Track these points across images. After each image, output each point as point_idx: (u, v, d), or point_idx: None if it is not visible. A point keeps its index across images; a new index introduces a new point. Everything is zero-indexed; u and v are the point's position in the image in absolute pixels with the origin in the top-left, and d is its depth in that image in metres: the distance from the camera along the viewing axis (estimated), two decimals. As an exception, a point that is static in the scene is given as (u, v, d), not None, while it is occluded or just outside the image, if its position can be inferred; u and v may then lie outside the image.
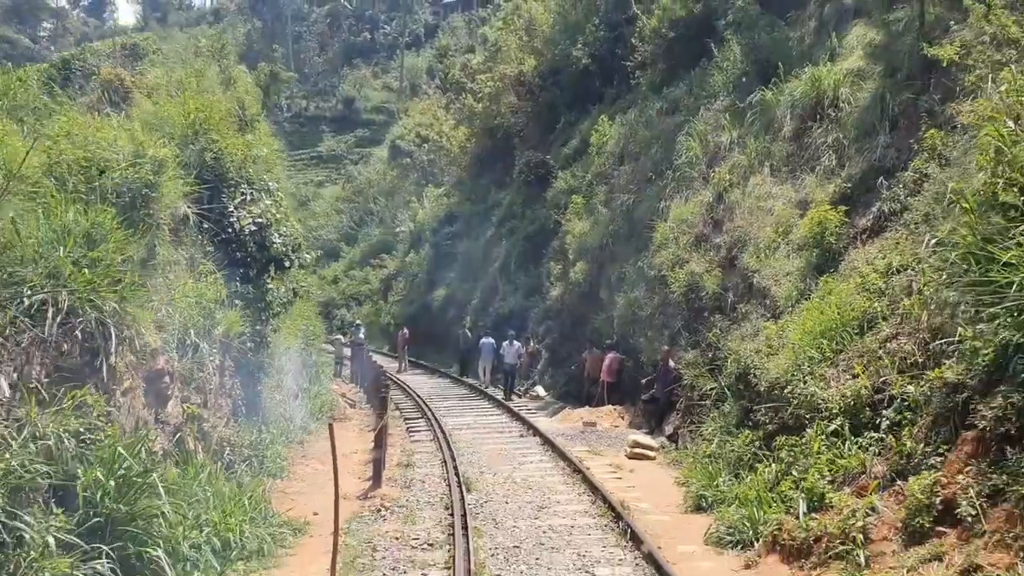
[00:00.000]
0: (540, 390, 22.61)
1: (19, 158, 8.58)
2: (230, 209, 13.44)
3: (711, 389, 13.69)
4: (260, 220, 13.94)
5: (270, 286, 14.63)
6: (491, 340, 24.94)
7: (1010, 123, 9.04)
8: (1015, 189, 8.26)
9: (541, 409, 20.38)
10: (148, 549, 7.06)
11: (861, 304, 10.65)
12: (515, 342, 22.94)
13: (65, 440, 6.95)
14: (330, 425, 7.93)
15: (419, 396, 21.30)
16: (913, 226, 11.11)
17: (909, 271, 10.39)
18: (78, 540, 6.47)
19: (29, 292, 7.35)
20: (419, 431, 16.96)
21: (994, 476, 7.06)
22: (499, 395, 22.22)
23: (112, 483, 7.12)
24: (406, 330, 31.03)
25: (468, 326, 29.58)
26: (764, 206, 15.18)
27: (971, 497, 7.11)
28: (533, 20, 36.19)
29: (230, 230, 13.40)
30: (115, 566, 6.65)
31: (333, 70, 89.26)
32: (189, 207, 11.39)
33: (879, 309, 10.36)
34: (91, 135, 9.71)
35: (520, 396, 22.53)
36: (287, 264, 14.65)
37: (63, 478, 6.80)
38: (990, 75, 11.01)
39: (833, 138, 14.88)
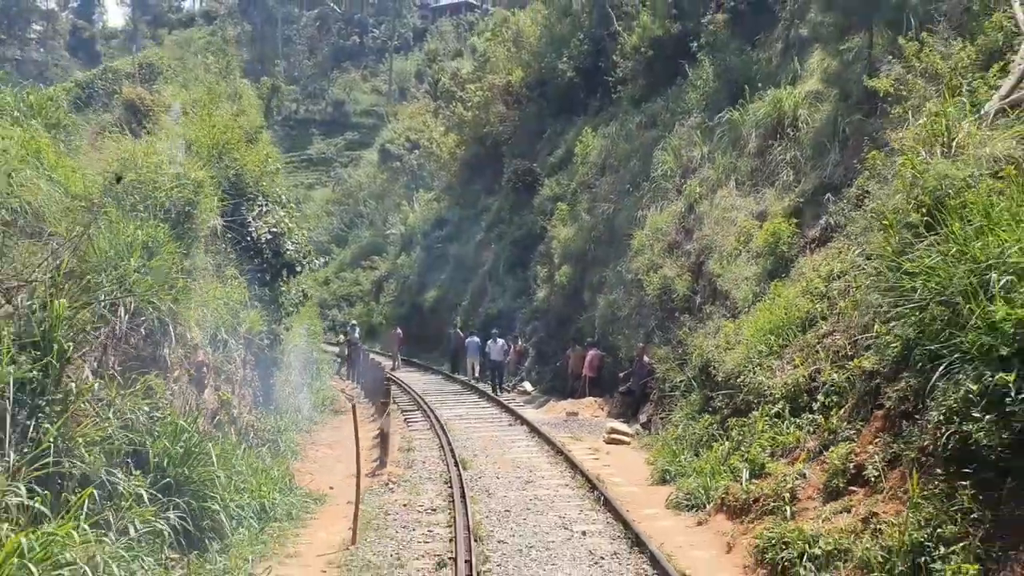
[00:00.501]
0: (527, 385, 24.28)
1: (78, 182, 10.26)
2: (248, 220, 15.07)
3: (680, 381, 15.40)
4: (275, 230, 15.58)
5: (283, 289, 16.25)
6: (477, 339, 26.82)
7: (923, 153, 10.80)
8: (922, 211, 9.97)
9: (528, 402, 22.05)
10: (208, 505, 8.68)
11: (805, 305, 12.38)
12: (499, 340, 24.62)
13: (140, 416, 8.58)
14: (353, 406, 9.56)
15: (414, 391, 22.91)
16: (853, 238, 12.82)
17: (846, 277, 12.11)
18: (156, 494, 8.08)
19: (104, 296, 8.96)
20: (416, 422, 18.58)
21: (894, 445, 8.76)
22: (488, 390, 23.87)
23: (177, 451, 8.73)
24: (399, 330, 32.62)
25: (459, 326, 31.22)
26: (729, 217, 16.91)
27: (876, 462, 8.82)
28: (521, 32, 37.91)
29: (249, 239, 15.03)
30: (183, 518, 8.26)
31: (322, 73, 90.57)
32: (218, 219, 13.00)
33: (819, 310, 12.10)
34: (142, 160, 11.29)
35: (509, 391, 24.18)
36: (298, 269, 16.31)
37: (138, 446, 8.42)
38: (918, 106, 12.79)
39: (791, 155, 16.64)
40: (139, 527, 7.47)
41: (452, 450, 14.32)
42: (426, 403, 20.50)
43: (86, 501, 6.75)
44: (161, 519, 7.87)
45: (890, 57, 14.63)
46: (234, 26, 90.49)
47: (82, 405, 7.71)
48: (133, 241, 9.78)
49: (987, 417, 7.40)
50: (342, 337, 34.11)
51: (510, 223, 32.98)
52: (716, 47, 21.89)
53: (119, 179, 10.76)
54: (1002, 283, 7.78)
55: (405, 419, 19.09)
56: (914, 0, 15.69)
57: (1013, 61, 12.08)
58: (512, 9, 57.81)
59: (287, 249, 15.79)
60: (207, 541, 8.55)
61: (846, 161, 15.02)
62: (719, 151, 19.05)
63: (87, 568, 6.16)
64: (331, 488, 12.41)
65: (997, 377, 7.38)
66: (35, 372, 7.12)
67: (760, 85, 19.31)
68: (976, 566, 6.99)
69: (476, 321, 30.99)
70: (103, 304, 8.76)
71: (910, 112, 12.85)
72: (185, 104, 18.68)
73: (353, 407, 9.49)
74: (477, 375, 26.54)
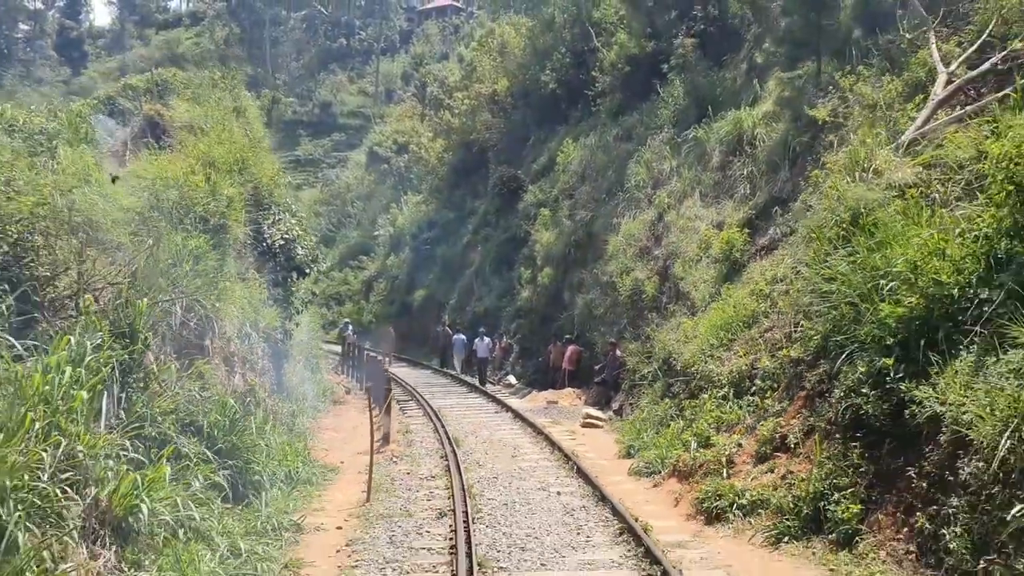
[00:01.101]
0: (512, 379, 26.32)
1: (124, 197, 12.19)
2: (264, 228, 17.02)
3: (647, 372, 17.49)
4: (287, 236, 17.56)
5: (293, 289, 18.22)
6: (462, 336, 29.05)
7: (847, 176, 12.93)
8: (840, 226, 12.06)
9: (513, 393, 24.09)
10: (251, 467, 10.67)
11: (751, 305, 14.49)
12: (486, 338, 26.68)
13: (195, 393, 10.55)
14: (368, 388, 11.55)
15: (408, 384, 24.88)
16: (795, 246, 14.94)
17: (785, 281, 14.21)
18: (210, 456, 10.04)
19: (163, 297, 10.92)
20: (411, 410, 20.56)
21: (810, 419, 10.86)
22: (476, 382, 25.89)
23: (224, 423, 10.70)
24: (391, 328, 34.58)
25: (447, 324, 33.23)
26: (692, 226, 19.03)
27: (796, 433, 10.93)
28: (506, 43, 39.93)
29: (264, 244, 16.99)
30: (232, 477, 10.23)
31: (310, 75, 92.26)
32: (245, 229, 14.96)
33: (762, 308, 14.21)
34: (183, 179, 13.24)
35: (495, 384, 26.21)
36: (307, 271, 18.31)
37: (194, 417, 10.38)
38: (849, 133, 14.95)
39: (749, 171, 18.75)
40: (202, 481, 9.43)
41: (446, 432, 16.33)
42: (419, 394, 22.49)
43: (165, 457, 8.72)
44: (218, 475, 9.84)
45: (831, 87, 16.79)
46: (222, 28, 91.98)
47: (157, 384, 9.68)
48: (182, 250, 11.75)
49: (873, 393, 9.53)
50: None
51: (496, 226, 35.00)
52: (686, 68, 23.98)
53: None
54: (889, 287, 9.88)
55: (401, 408, 21.03)
56: (855, 34, 17.95)
57: (930, 95, 14.25)
58: (496, 13, 59.95)
59: (297, 254, 17.78)
60: (250, 496, 10.52)
61: (794, 178, 17.14)
62: (686, 165, 21.16)
63: (178, 500, 8.15)
64: (342, 462, 14.40)
65: (881, 362, 9.50)
66: (125, 356, 9.09)
67: (724, 104, 21.45)
68: (859, 506, 9.12)
69: (464, 319, 32.99)
70: (167, 302, 10.73)
71: (844, 138, 15.05)
72: (197, 120, 20.66)
73: (368, 389, 11.48)
74: (460, 369, 28.70)
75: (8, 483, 6.43)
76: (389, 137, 66.34)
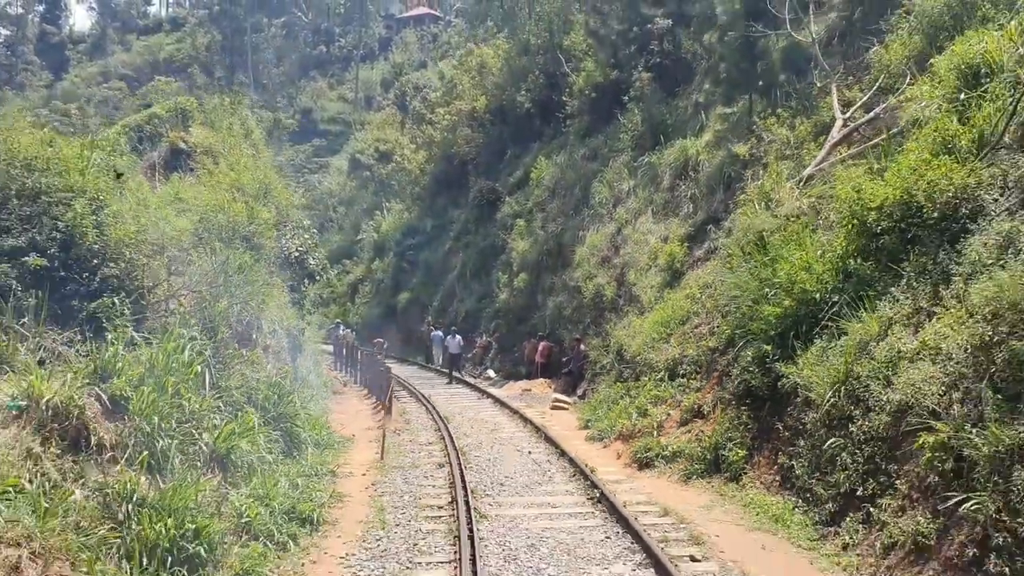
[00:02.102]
0: (491, 372, 29.87)
1: (176, 219, 15.63)
2: (283, 242, 20.50)
3: (605, 362, 21.12)
4: (301, 248, 21.07)
5: (306, 293, 21.70)
6: (440, 333, 32.74)
7: (757, 206, 16.62)
8: (748, 245, 15.72)
9: (492, 385, 27.63)
10: (296, 431, 14.17)
11: (686, 306, 18.15)
12: (457, 336, 30.14)
13: (249, 374, 14.03)
14: (382, 371, 15.07)
15: (399, 377, 28.35)
16: (723, 259, 18.59)
17: (711, 287, 17.87)
18: (266, 422, 13.51)
19: (228, 301, 14.37)
20: (404, 398, 24.04)
21: (720, 393, 14.52)
22: (455, 375, 29.41)
23: (274, 397, 14.19)
24: (384, 341, 37.95)
25: (431, 323, 36.71)
26: (644, 239, 22.69)
27: (708, 404, 14.59)
28: (485, 64, 43.49)
29: (283, 255, 20.46)
30: (289, 436, 13.72)
31: (290, 81, 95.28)
32: (274, 243, 18.45)
33: (694, 309, 17.87)
34: (228, 205, 16.69)
35: (475, 378, 29.74)
36: (317, 278, 21.78)
37: (252, 392, 13.84)
38: (766, 166, 18.65)
39: (692, 193, 22.43)
40: (264, 437, 12.91)
41: (438, 413, 19.86)
42: (411, 385, 25.98)
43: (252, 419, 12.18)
44: (275, 434, 13.33)
45: (754, 125, 20.50)
46: (204, 35, 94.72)
47: (232, 366, 13.17)
48: (232, 263, 15.21)
49: (758, 371, 13.19)
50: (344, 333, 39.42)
51: (475, 234, 38.52)
52: (643, 98, 27.64)
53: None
54: (773, 293, 13.55)
55: (395, 396, 24.54)
56: (780, 79, 21.67)
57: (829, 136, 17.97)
58: (473, 24, 63.42)
59: (310, 263, 21.28)
60: (296, 454, 14.01)
61: (727, 200, 20.79)
62: (641, 186, 24.84)
63: (257, 446, 11.65)
64: (354, 435, 17.88)
65: (765, 348, 13.16)
66: (210, 344, 12.56)
67: (675, 132, 25.14)
68: (744, 451, 12.80)
69: (446, 320, 36.47)
70: (230, 305, 14.22)
71: (760, 171, 18.77)
72: (215, 145, 24.14)
73: (381, 371, 14.97)
74: (440, 362, 32.40)
75: (164, 424, 9.92)
76: (371, 145, 69.57)
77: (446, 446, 15.73)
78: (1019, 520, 7.53)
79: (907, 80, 16.15)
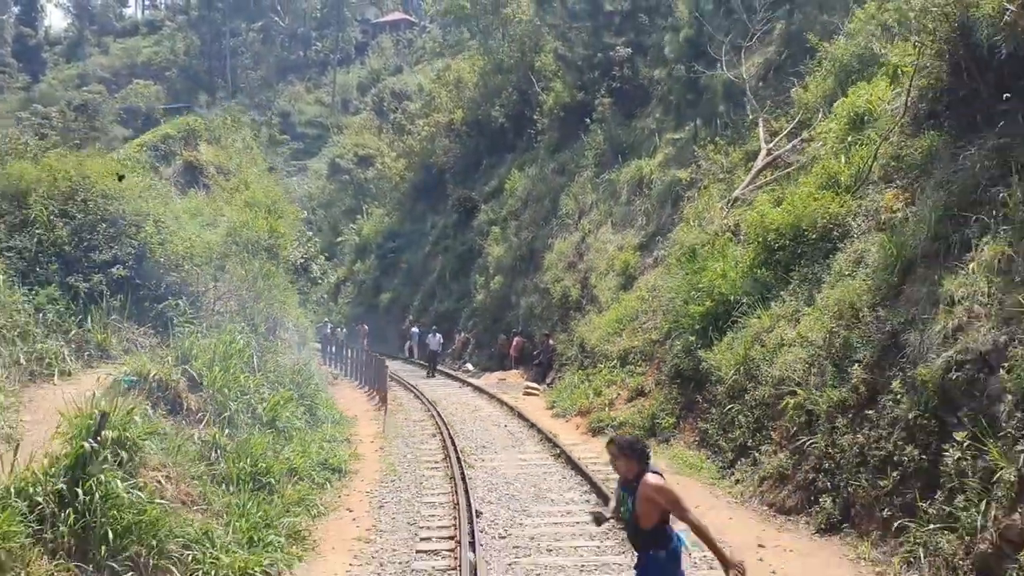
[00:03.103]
0: (470, 365, 33.46)
1: (198, 237, 19.09)
2: (290, 250, 23.95)
3: (570, 355, 24.77)
4: (305, 256, 24.51)
5: (309, 295, 25.17)
6: (417, 329, 36.37)
7: (692, 223, 20.37)
8: (684, 255, 19.42)
9: (472, 376, 31.20)
10: (316, 407, 17.69)
11: (636, 306, 21.84)
12: (437, 334, 33.65)
13: (280, 361, 17.54)
14: (376, 362, 18.63)
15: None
16: (665, 267, 22.31)
17: (657, 290, 21.57)
18: (293, 398, 17.00)
19: (260, 304, 17.85)
20: (394, 386, 27.55)
21: (659, 376, 18.22)
22: (440, 370, 32.99)
23: (299, 379, 17.69)
24: (365, 325, 41.47)
25: (413, 321, 40.23)
26: (604, 248, 26.39)
27: (650, 384, 18.30)
28: (461, 79, 47.07)
29: (290, 261, 23.91)
30: (310, 411, 17.22)
31: (268, 85, 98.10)
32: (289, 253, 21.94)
33: (643, 308, 21.56)
34: (251, 222, 20.14)
35: (456, 370, 33.31)
36: (319, 282, 25.25)
37: (279, 376, 17.32)
38: (702, 189, 22.40)
39: (645, 207, 26.16)
40: (293, 410, 16.39)
41: (426, 398, 23.42)
42: (398, 376, 29.50)
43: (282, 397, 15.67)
44: (300, 410, 16.84)
45: (695, 151, 24.25)
46: (183, 39, 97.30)
47: (266, 355, 16.67)
48: (259, 271, 18.69)
49: (686, 358, 16.89)
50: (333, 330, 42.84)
51: (454, 239, 42.07)
52: (604, 120, 31.37)
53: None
54: (697, 295, 17.26)
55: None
56: (720, 109, 25.45)
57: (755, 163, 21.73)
58: (448, 29, 66.82)
59: (313, 269, 24.75)
60: (316, 426, 17.51)
61: (673, 215, 24.54)
62: (603, 200, 28.55)
63: (293, 415, 15.18)
64: (355, 415, 21.39)
65: (690, 340, 16.88)
66: (253, 337, 16.03)
67: (633, 152, 28.88)
68: (674, 420, 16.52)
69: (427, 318, 39.99)
70: (263, 306, 17.72)
71: (698, 193, 22.52)
72: (224, 163, 27.54)
73: (383, 363, 18.50)
74: (416, 356, 36.02)
75: (231, 395, 13.42)
76: (350, 150, 72.86)
77: (436, 422, 19.32)
78: (838, 451, 11.25)
79: (819, 117, 19.90)
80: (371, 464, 15.38)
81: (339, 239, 62.26)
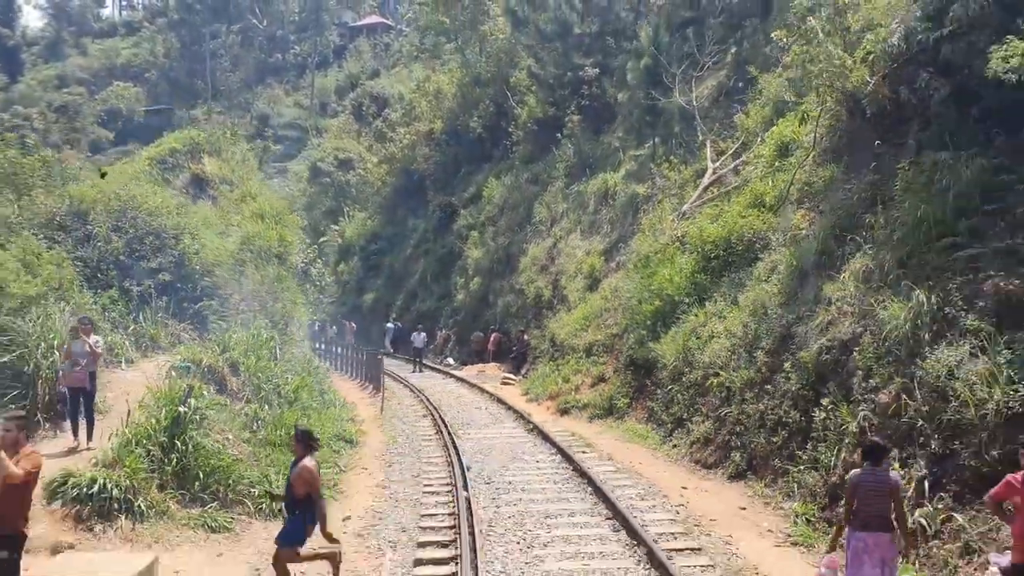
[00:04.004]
0: (451, 360, 36.73)
1: (209, 245, 22.29)
2: (296, 257, 27.14)
3: (543, 348, 28.14)
4: (305, 260, 27.70)
5: (309, 297, 28.34)
6: (391, 326, 39.94)
7: (647, 233, 23.81)
8: (640, 261, 22.83)
9: (453, 369, 34.50)
10: (326, 392, 20.92)
11: (600, 305, 25.25)
12: (423, 332, 36.85)
13: (295, 352, 20.76)
14: (378, 356, 21.89)
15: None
16: (628, 270, 25.73)
17: (618, 291, 24.97)
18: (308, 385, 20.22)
19: (278, 304, 21.06)
20: (386, 379, 30.77)
21: (617, 365, 21.62)
22: (434, 364, 36.20)
23: (310, 367, 20.91)
24: (353, 324, 44.60)
25: (395, 319, 43.40)
26: (574, 253, 29.78)
27: (610, 372, 21.71)
28: (440, 90, 50.27)
29: (295, 266, 27.09)
30: (320, 395, 20.44)
31: (247, 87, 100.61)
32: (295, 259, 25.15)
33: (606, 307, 24.97)
34: (263, 233, 23.30)
35: (438, 364, 36.56)
36: (318, 284, 28.44)
37: (295, 364, 20.54)
38: (657, 203, 25.85)
39: (610, 216, 29.57)
40: (308, 392, 19.59)
41: (415, 387, 26.69)
42: (389, 371, 32.68)
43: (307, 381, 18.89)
44: (313, 393, 20.05)
45: (651, 168, 27.69)
46: (163, 41, 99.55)
47: (284, 347, 19.89)
48: (274, 276, 21.88)
49: (639, 348, 20.31)
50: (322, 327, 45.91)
51: (435, 243, 45.27)
52: (574, 135, 34.77)
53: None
54: (648, 296, 20.69)
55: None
56: (676, 130, 28.91)
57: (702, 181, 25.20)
58: (425, 33, 69.88)
59: (312, 272, 27.91)
60: (326, 406, 20.71)
61: (633, 224, 27.97)
62: (572, 209, 31.94)
63: (313, 395, 18.44)
64: (353, 401, 24.62)
65: (642, 334, 20.31)
66: (275, 333, 19.24)
67: (600, 165, 32.28)
68: (628, 400, 19.95)
69: (410, 317, 43.16)
70: (280, 306, 20.94)
71: (653, 206, 25.97)
72: (227, 175, 30.67)
73: (376, 356, 21.72)
74: (390, 350, 39.23)
75: (263, 378, 16.64)
76: (330, 153, 75.69)
77: (426, 406, 22.62)
78: (746, 417, 14.68)
79: (758, 141, 23.37)
80: (375, 437, 18.66)
81: (321, 240, 65.19)
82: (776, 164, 20.19)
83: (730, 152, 24.91)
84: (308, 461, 8.72)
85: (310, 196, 76.89)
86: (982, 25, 12.34)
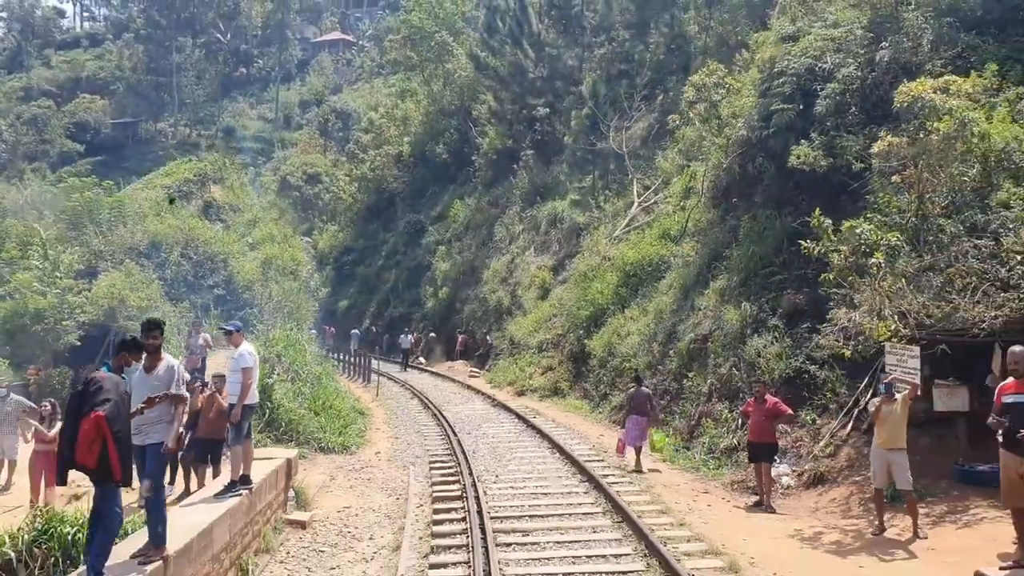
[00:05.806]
0: (422, 360, 43.47)
1: (247, 266, 29.01)
2: (305, 273, 33.78)
3: (503, 347, 35.04)
4: (305, 274, 34.33)
5: (308, 306, 34.98)
6: (356, 331, 46.12)
7: (587, 253, 30.92)
8: (580, 276, 29.86)
9: (428, 367, 41.28)
10: (333, 383, 27.64)
11: (549, 311, 32.26)
12: (410, 335, 43.59)
13: (312, 349, 27.49)
14: (368, 355, 28.69)
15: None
16: (571, 283, 32.76)
17: (564, 300, 31.96)
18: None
19: (295, 312, 27.77)
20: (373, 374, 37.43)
21: (561, 357, 28.63)
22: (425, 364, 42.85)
23: (321, 360, 27.61)
24: (332, 328, 51.07)
25: (369, 326, 49.97)
26: (528, 267, 36.79)
27: (557, 363, 28.73)
28: (408, 117, 57.04)
29: (305, 282, 33.73)
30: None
31: (212, 100, 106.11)
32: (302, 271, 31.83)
33: (554, 312, 31.98)
34: (282, 253, 29.90)
35: (412, 364, 43.25)
36: (317, 295, 35.11)
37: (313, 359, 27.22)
38: (595, 228, 32.98)
39: (558, 237, 36.66)
40: (328, 377, 26.28)
41: (399, 379, 33.45)
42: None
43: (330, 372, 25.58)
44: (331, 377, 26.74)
45: (590, 200, 34.80)
46: (130, 55, 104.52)
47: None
48: (294, 290, 28.52)
49: (577, 344, 27.37)
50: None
51: (405, 255, 51.95)
52: (528, 166, 41.81)
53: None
54: (585, 304, 27.75)
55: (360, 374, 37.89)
56: (611, 167, 36.12)
57: (631, 211, 32.43)
58: (386, 43, 76.44)
59: (310, 285, 34.51)
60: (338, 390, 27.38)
61: (578, 244, 35.04)
62: (527, 230, 38.96)
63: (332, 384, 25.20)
64: (349, 390, 31.31)
65: (580, 332, 27.38)
66: (298, 333, 25.91)
67: (551, 193, 39.37)
68: (569, 383, 27.03)
69: (382, 322, 49.73)
70: (291, 317, 27.64)
71: (592, 230, 33.09)
72: (234, 202, 37.24)
73: (368, 356, 28.43)
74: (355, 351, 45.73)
75: (299, 365, 23.35)
76: (298, 168, 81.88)
77: (412, 392, 29.43)
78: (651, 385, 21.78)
79: (674, 180, 30.61)
80: (377, 412, 25.44)
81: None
82: (681, 204, 27.45)
83: (652, 189, 32.16)
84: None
85: (279, 210, 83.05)
86: (788, 129, 19.56)
